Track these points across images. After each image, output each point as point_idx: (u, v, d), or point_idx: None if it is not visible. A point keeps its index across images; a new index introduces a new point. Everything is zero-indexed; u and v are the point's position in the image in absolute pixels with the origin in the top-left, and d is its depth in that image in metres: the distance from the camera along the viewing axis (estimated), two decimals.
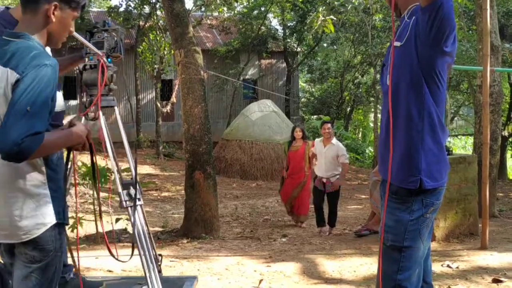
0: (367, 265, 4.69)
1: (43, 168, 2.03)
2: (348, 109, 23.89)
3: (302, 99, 25.03)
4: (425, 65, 2.17)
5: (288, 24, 22.79)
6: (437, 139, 2.24)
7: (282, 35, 23.26)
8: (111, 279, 4.13)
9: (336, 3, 13.16)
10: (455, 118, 25.68)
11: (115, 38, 2.94)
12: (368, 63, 19.49)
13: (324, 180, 7.50)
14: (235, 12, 20.54)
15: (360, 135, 26.97)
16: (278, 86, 23.32)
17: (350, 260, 4.91)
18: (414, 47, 2.17)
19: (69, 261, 3.52)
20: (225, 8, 18.78)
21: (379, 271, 2.30)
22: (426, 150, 2.22)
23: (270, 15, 22.45)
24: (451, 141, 23.21)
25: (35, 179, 2.01)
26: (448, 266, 4.59)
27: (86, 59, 2.92)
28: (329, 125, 7.74)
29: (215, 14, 20.55)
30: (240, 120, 16.52)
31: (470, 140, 23.56)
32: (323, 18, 11.90)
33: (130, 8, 17.27)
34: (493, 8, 7.33)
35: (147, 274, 2.93)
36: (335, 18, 13.33)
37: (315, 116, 22.32)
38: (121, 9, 17.26)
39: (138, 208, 2.95)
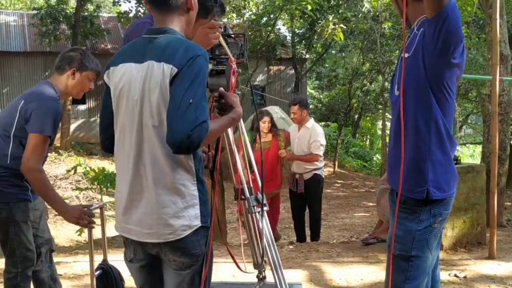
0: (374, 274, 4.69)
1: (193, 168, 2.02)
2: (356, 116, 23.84)
3: (310, 106, 25.03)
4: (433, 76, 2.18)
5: (297, 31, 22.81)
6: (444, 150, 2.25)
7: (290, 42, 23.29)
8: (219, 283, 4.18)
9: (349, 14, 13.13)
10: (464, 127, 25.57)
11: (240, 44, 2.94)
12: (376, 70, 19.44)
13: (297, 177, 6.18)
14: (244, 18, 20.60)
15: (367, 143, 26.91)
16: (286, 93, 23.33)
17: (357, 268, 4.90)
18: (421, 59, 2.19)
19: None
20: (234, 15, 18.83)
21: (387, 280, 2.31)
22: (434, 160, 2.23)
23: (279, 22, 22.50)
24: (459, 149, 23.11)
25: (185, 178, 2.00)
26: (455, 275, 4.59)
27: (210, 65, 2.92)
28: (296, 107, 6.12)
29: (225, 20, 20.59)
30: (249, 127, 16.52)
31: (479, 148, 23.44)
32: (333, 27, 11.89)
33: (140, 13, 17.34)
34: (503, 18, 7.32)
35: (277, 281, 2.94)
36: (345, 27, 13.32)
37: (323, 123, 22.30)
38: (131, 15, 17.34)
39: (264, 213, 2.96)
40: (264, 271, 3.37)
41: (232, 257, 2.69)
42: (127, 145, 2.04)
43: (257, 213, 2.90)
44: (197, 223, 2.02)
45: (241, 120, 3.07)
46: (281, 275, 2.95)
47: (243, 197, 3.02)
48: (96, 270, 3.04)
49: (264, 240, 2.90)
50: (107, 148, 2.21)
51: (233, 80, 2.63)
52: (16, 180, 3.05)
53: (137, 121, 1.99)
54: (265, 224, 2.89)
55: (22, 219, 3.10)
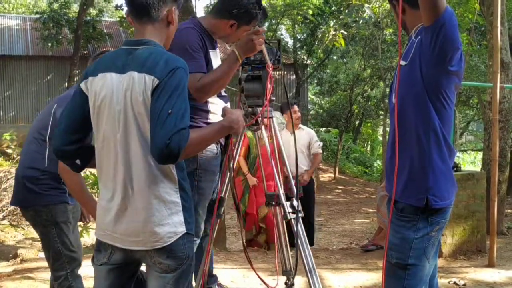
0: (373, 281, 4.68)
1: (175, 176, 2.05)
2: (357, 122, 23.85)
3: (311, 112, 25.04)
4: (430, 85, 2.17)
5: (299, 37, 22.83)
6: (444, 158, 2.24)
7: (292, 47, 23.31)
8: None
9: (349, 19, 13.16)
10: (465, 133, 25.55)
11: (275, 50, 2.93)
12: (377, 76, 19.46)
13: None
14: None
15: (368, 149, 26.89)
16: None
17: (356, 275, 4.89)
18: (418, 67, 2.18)
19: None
20: None
21: None
22: (434, 168, 2.22)
23: (281, 27, 22.50)
24: (460, 156, 23.08)
25: (168, 186, 2.03)
26: (454, 283, 4.57)
27: (241, 69, 2.89)
28: (297, 107, 6.25)
29: None
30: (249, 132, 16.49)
31: (480, 155, 23.44)
32: (333, 33, 11.89)
33: None
34: (504, 25, 7.33)
35: (312, 286, 2.93)
36: (346, 33, 13.32)
37: (323, 129, 22.29)
38: None
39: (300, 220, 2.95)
40: (292, 278, 3.36)
41: (258, 276, 2.68)
42: (112, 154, 2.05)
43: (292, 220, 2.92)
44: (182, 229, 2.05)
45: (273, 121, 3.07)
46: (316, 280, 2.95)
47: (273, 202, 3.04)
48: None
49: (300, 245, 2.92)
50: (66, 153, 2.16)
51: (269, 85, 2.64)
52: (54, 183, 3.10)
53: (121, 131, 2.01)
54: (300, 230, 2.90)
55: (63, 220, 3.13)
